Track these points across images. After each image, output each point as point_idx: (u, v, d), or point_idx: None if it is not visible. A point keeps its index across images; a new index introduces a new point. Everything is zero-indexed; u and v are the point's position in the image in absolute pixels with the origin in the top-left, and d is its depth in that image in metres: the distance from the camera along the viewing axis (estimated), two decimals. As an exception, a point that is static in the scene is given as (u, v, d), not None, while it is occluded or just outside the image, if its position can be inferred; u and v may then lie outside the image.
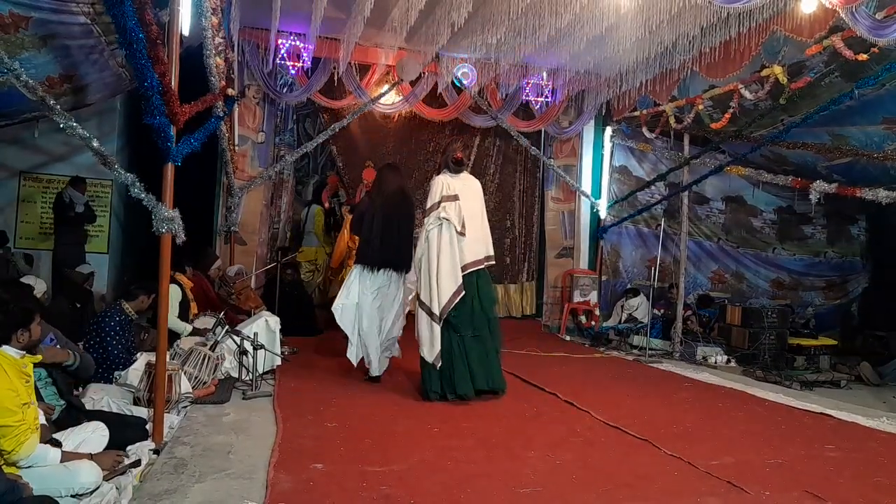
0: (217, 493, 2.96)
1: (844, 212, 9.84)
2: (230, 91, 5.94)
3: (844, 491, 3.28)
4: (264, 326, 5.43)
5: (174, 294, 5.29)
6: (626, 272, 9.51)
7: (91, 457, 2.98)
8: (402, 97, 8.43)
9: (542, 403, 4.96)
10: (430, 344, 4.86)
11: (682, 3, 5.23)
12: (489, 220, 5.38)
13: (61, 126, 3.25)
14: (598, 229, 9.36)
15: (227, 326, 5.18)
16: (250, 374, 4.96)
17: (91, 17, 3.88)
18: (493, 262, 5.27)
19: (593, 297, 9.04)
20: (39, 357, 3.09)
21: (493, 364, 5.01)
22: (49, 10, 3.68)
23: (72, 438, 3.14)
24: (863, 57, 5.30)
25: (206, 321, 5.68)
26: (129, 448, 3.34)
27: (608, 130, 9.38)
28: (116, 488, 2.92)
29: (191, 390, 4.44)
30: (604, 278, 9.32)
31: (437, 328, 4.84)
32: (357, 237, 5.77)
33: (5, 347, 2.85)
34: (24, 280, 5.47)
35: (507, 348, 6.98)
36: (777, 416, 4.92)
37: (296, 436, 3.81)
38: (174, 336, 5.15)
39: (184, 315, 5.65)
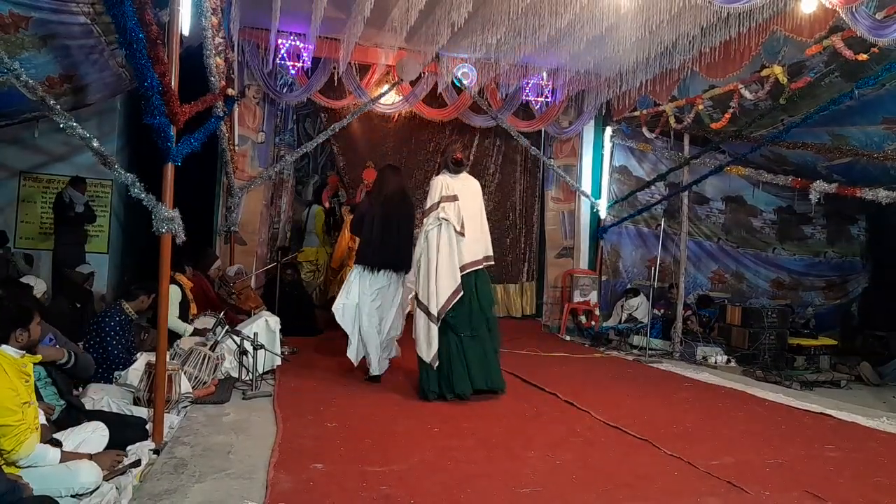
0: (217, 493, 2.96)
1: (844, 212, 9.84)
2: (230, 91, 5.94)
3: (844, 491, 3.28)
4: (264, 326, 5.43)
5: (174, 294, 5.29)
6: (626, 272, 9.51)
7: (91, 457, 2.98)
8: (402, 97, 8.43)
9: (542, 403, 4.96)
10: (427, 344, 4.86)
11: (682, 3, 5.22)
12: (489, 221, 5.38)
13: (61, 126, 3.25)
14: (598, 229, 9.36)
15: (227, 326, 5.18)
16: (250, 374, 4.96)
17: (91, 17, 3.88)
18: (493, 263, 5.28)
19: (593, 297, 9.04)
20: (39, 357, 3.10)
21: (491, 364, 5.02)
22: (49, 10, 3.68)
23: (72, 438, 3.14)
24: (863, 57, 5.30)
25: (206, 321, 5.69)
26: (129, 448, 3.34)
27: (608, 130, 9.38)
28: (116, 488, 2.92)
29: (191, 390, 4.44)
30: (604, 278, 9.32)
31: (435, 328, 4.84)
32: (357, 237, 5.78)
33: (4, 347, 2.86)
34: (24, 280, 5.48)
35: (507, 348, 6.99)
36: (777, 416, 4.92)
37: (296, 436, 3.81)
38: (174, 336, 5.15)
39: (184, 315, 5.65)
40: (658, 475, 3.41)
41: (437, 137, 9.29)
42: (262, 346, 5.01)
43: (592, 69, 8.08)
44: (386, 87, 8.30)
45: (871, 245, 10.09)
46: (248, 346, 5.00)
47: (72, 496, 2.80)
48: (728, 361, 7.25)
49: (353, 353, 5.45)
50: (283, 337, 5.94)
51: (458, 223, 4.96)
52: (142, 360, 4.34)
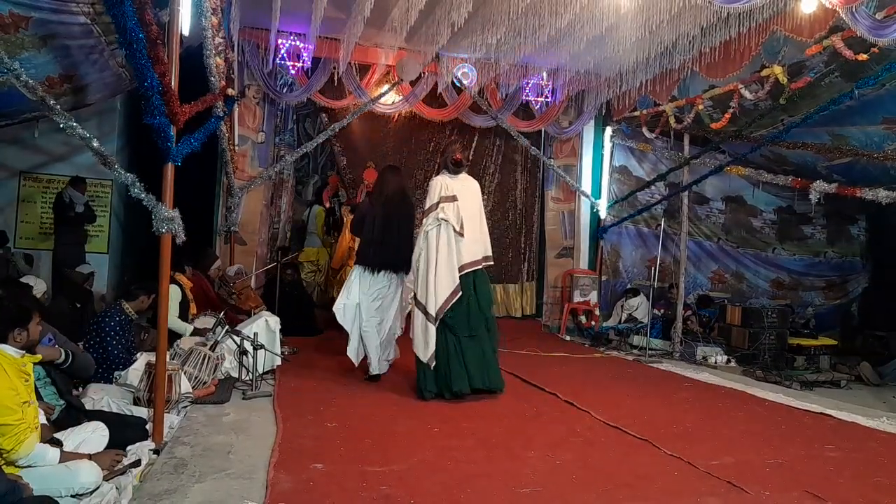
0: (217, 493, 2.96)
1: (844, 212, 9.85)
2: (230, 91, 5.94)
3: (844, 491, 3.28)
4: (264, 326, 5.43)
5: (174, 294, 5.29)
6: (626, 272, 9.51)
7: (90, 457, 2.98)
8: (402, 97, 8.43)
9: (542, 403, 4.96)
10: (425, 344, 4.87)
11: (682, 3, 5.22)
12: (489, 220, 5.39)
13: (61, 126, 3.25)
14: (598, 229, 9.36)
15: (227, 326, 5.18)
16: (250, 374, 4.96)
17: (91, 17, 3.88)
18: (492, 263, 5.28)
19: (593, 297, 9.04)
20: (39, 357, 3.10)
21: (490, 364, 5.02)
22: (49, 10, 3.68)
23: (72, 438, 3.14)
24: (863, 57, 5.30)
25: (206, 321, 5.69)
26: (129, 448, 3.34)
27: (608, 130, 9.38)
28: (116, 488, 2.92)
29: (191, 390, 4.44)
30: (604, 278, 9.32)
31: (432, 328, 4.85)
32: (357, 238, 5.79)
33: (4, 346, 2.86)
34: (24, 280, 5.48)
35: (507, 348, 7.01)
36: (777, 416, 4.92)
37: (296, 436, 3.81)
38: (174, 336, 5.15)
39: (184, 315, 5.65)
40: (658, 475, 3.41)
41: (437, 137, 9.29)
42: (262, 346, 5.01)
43: (592, 69, 8.08)
44: (386, 87, 8.30)
45: (871, 245, 10.09)
46: (248, 346, 5.00)
47: (72, 496, 2.80)
48: (728, 361, 7.25)
49: (353, 353, 5.46)
50: (283, 337, 5.94)
51: (457, 223, 4.97)
52: (142, 360, 4.34)
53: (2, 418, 2.66)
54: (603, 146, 9.40)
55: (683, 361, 7.30)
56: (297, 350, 6.37)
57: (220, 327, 5.13)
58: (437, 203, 5.03)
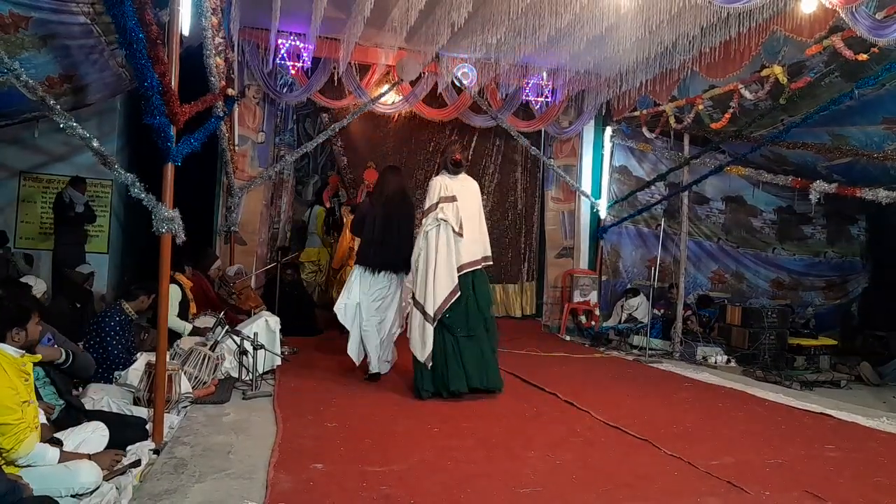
0: (217, 493, 2.96)
1: (844, 212, 9.85)
2: (230, 91, 5.94)
3: (844, 491, 3.28)
4: (264, 326, 5.44)
5: (174, 294, 5.29)
6: (626, 272, 9.51)
7: (89, 457, 2.98)
8: (402, 97, 8.43)
9: (542, 403, 4.96)
10: (422, 344, 4.88)
11: (682, 3, 5.23)
12: (489, 220, 5.40)
13: (61, 126, 3.25)
14: (598, 229, 9.36)
15: (227, 326, 5.18)
16: (250, 374, 4.96)
17: (91, 17, 3.88)
18: (491, 263, 5.30)
19: (593, 297, 9.04)
20: (39, 357, 3.10)
21: (489, 364, 5.02)
22: (49, 10, 3.68)
23: (72, 438, 3.14)
24: (863, 57, 5.30)
25: (206, 321, 5.69)
26: (129, 448, 3.34)
27: (608, 130, 9.38)
28: (116, 488, 2.92)
29: (191, 390, 4.44)
30: (604, 278, 9.32)
31: (430, 328, 4.86)
32: (358, 238, 5.80)
33: (3, 346, 2.86)
34: (24, 280, 5.48)
35: (507, 348, 7.01)
36: (777, 416, 4.92)
37: (296, 436, 3.81)
38: (174, 336, 5.15)
39: (183, 315, 5.65)
40: (658, 475, 3.41)
41: (437, 137, 9.29)
42: (262, 346, 5.02)
43: (592, 69, 8.08)
44: (386, 87, 8.30)
45: (871, 245, 10.09)
46: (248, 346, 5.00)
47: (72, 496, 2.80)
48: (728, 361, 7.25)
49: (353, 351, 5.48)
50: (283, 337, 5.94)
51: (456, 224, 4.97)
52: (142, 360, 4.34)
53: (1, 417, 2.66)
54: (603, 146, 9.40)
55: (683, 361, 7.30)
56: (297, 350, 6.36)
57: (220, 327, 5.13)
58: (437, 203, 5.04)
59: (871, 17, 4.91)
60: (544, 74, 8.79)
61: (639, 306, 8.66)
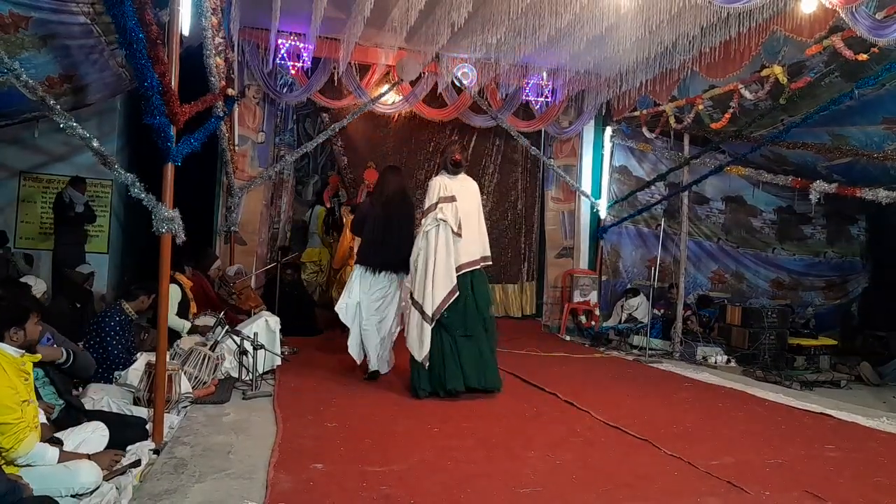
0: (217, 493, 2.96)
1: (844, 212, 9.85)
2: (230, 91, 5.94)
3: (844, 491, 3.28)
4: (264, 326, 5.44)
5: (173, 294, 5.29)
6: (626, 272, 9.51)
7: (88, 457, 2.98)
8: (402, 97, 8.43)
9: (542, 403, 4.96)
10: (420, 343, 4.89)
11: (682, 3, 5.23)
12: (489, 220, 5.41)
13: (61, 126, 3.25)
14: (598, 229, 9.36)
15: (227, 326, 5.18)
16: (250, 374, 4.96)
17: (91, 17, 3.88)
18: (490, 263, 5.30)
19: (593, 297, 9.04)
20: (39, 356, 3.10)
21: (486, 363, 5.03)
22: (49, 10, 3.68)
23: (72, 438, 3.14)
24: (863, 57, 5.30)
25: (206, 321, 5.69)
26: (129, 448, 3.34)
27: (608, 130, 9.38)
28: (116, 488, 2.92)
29: (191, 390, 4.44)
30: (604, 278, 9.32)
31: (428, 328, 4.87)
32: (358, 237, 5.81)
33: (2, 345, 2.86)
34: (24, 280, 5.48)
35: (507, 348, 7.01)
36: (777, 416, 4.92)
37: (296, 436, 3.81)
38: (174, 336, 5.15)
39: (183, 315, 5.65)
40: (658, 475, 3.41)
41: (437, 137, 9.29)
42: (262, 346, 5.01)
43: (592, 69, 8.08)
44: (386, 87, 8.30)
45: (871, 245, 10.09)
46: (248, 346, 5.00)
47: (72, 496, 2.80)
48: (728, 361, 7.25)
49: (354, 350, 5.50)
50: (283, 337, 5.94)
51: (455, 224, 4.98)
52: (142, 360, 4.34)
53: (1, 417, 2.66)
54: (603, 146, 9.40)
55: (683, 361, 7.30)
56: (297, 350, 6.37)
57: (220, 327, 5.13)
58: (436, 203, 5.05)
59: (871, 17, 4.91)
60: (544, 74, 8.79)
61: (639, 306, 8.66)
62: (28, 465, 2.77)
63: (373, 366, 5.43)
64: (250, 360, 4.97)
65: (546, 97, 9.01)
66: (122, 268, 8.40)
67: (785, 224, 9.98)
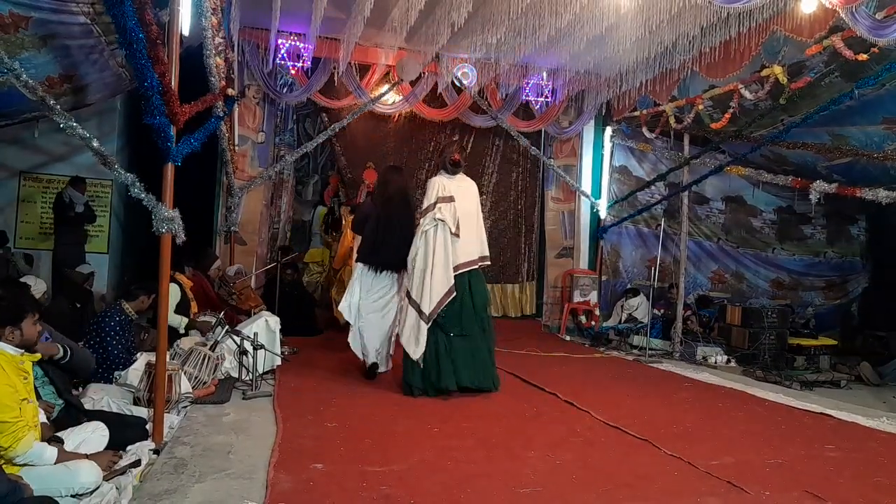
0: (217, 493, 2.96)
1: (844, 212, 9.85)
2: (230, 91, 5.94)
3: (844, 491, 3.28)
4: (264, 326, 5.44)
5: (172, 293, 5.28)
6: (626, 272, 9.51)
7: (87, 457, 2.98)
8: (402, 97, 8.43)
9: (542, 403, 4.96)
10: (416, 342, 4.90)
11: (682, 3, 5.23)
12: (488, 220, 5.42)
13: (61, 126, 3.25)
14: (598, 229, 9.36)
15: (227, 326, 5.18)
16: (250, 374, 4.96)
17: (91, 17, 3.88)
18: (489, 263, 5.31)
19: (593, 297, 9.04)
20: (38, 356, 3.10)
21: (482, 363, 5.03)
22: (49, 10, 3.68)
23: (72, 438, 3.14)
24: (863, 57, 5.30)
25: (206, 320, 5.69)
26: (129, 448, 3.34)
27: (608, 130, 9.38)
28: (116, 488, 2.92)
29: (191, 390, 4.44)
30: (604, 278, 9.32)
31: (425, 327, 4.88)
32: (359, 236, 5.83)
33: (1, 344, 2.86)
34: (24, 280, 5.48)
35: (507, 348, 7.02)
36: (777, 416, 4.92)
37: (296, 436, 3.81)
38: (174, 336, 5.15)
39: (183, 314, 5.64)
40: (658, 475, 3.41)
41: (437, 137, 9.27)
42: (262, 346, 5.02)
43: (592, 69, 8.08)
44: (386, 87, 8.30)
45: (871, 245, 10.09)
46: (248, 346, 5.00)
47: (72, 496, 2.80)
48: (728, 361, 7.25)
49: (355, 345, 5.54)
50: (283, 337, 5.94)
51: (453, 224, 4.99)
52: (142, 360, 4.34)
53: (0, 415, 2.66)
54: (603, 146, 9.40)
55: (683, 361, 7.30)
56: (297, 350, 6.37)
57: (220, 327, 5.13)
58: (434, 203, 5.06)
59: (871, 17, 4.91)
60: (544, 74, 8.79)
61: (639, 306, 8.66)
62: (27, 465, 2.77)
63: (371, 358, 5.46)
64: (250, 360, 4.97)
65: (546, 97, 9.01)
66: (122, 268, 8.40)
67: (785, 224, 9.98)
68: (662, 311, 8.59)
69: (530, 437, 4.01)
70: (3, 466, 2.66)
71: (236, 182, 7.84)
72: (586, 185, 9.41)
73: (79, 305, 5.79)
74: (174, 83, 3.50)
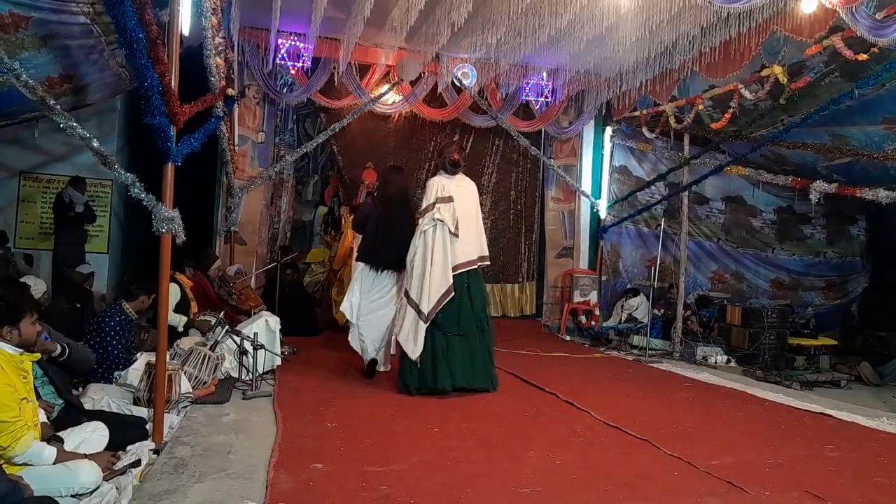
0: (217, 493, 2.96)
1: (844, 212, 9.85)
2: (230, 91, 5.94)
3: (844, 491, 3.28)
4: (264, 326, 5.44)
5: (172, 293, 5.28)
6: (626, 272, 9.51)
7: (86, 457, 2.98)
8: (402, 97, 8.43)
9: (542, 403, 4.96)
10: (414, 342, 4.91)
11: (682, 3, 5.23)
12: (488, 220, 5.43)
13: (61, 126, 3.25)
14: (598, 229, 9.36)
15: (227, 326, 5.18)
16: (250, 374, 4.96)
17: (91, 17, 3.88)
18: (488, 263, 5.31)
19: (593, 297, 9.04)
20: (38, 356, 3.10)
21: (479, 363, 5.04)
22: (49, 10, 3.68)
23: (72, 438, 3.14)
24: (863, 57, 5.30)
25: (205, 319, 5.69)
26: (129, 448, 3.34)
27: (608, 130, 9.38)
28: (116, 488, 2.92)
29: (191, 390, 4.44)
30: (604, 278, 9.32)
31: (423, 327, 4.89)
32: (360, 234, 5.85)
33: (1, 344, 2.86)
34: (24, 280, 5.47)
35: (507, 348, 7.02)
36: (777, 416, 4.92)
37: (296, 436, 3.81)
38: (174, 335, 5.15)
39: (183, 314, 5.64)
40: (658, 475, 3.41)
41: (437, 137, 9.26)
42: (262, 346, 5.02)
43: (592, 69, 8.08)
44: (386, 87, 8.30)
45: (871, 245, 10.09)
46: (248, 346, 5.00)
47: (72, 496, 2.80)
48: (728, 361, 7.25)
49: (356, 343, 5.56)
50: (283, 337, 5.95)
51: (452, 224, 5.00)
52: (142, 360, 4.34)
53: None
54: (603, 146, 9.40)
55: (683, 361, 7.30)
56: (297, 350, 6.37)
57: (220, 327, 5.13)
58: (434, 203, 5.07)
59: (871, 17, 4.91)
60: (544, 74, 8.79)
61: (639, 306, 8.66)
62: (27, 465, 2.77)
63: (370, 354, 5.47)
64: (250, 360, 4.97)
65: (546, 97, 9.00)
66: (122, 268, 8.40)
67: (785, 224, 9.98)
68: (662, 311, 8.58)
69: (530, 437, 4.01)
70: (3, 466, 2.66)
71: (236, 182, 7.84)
72: (586, 185, 9.41)
73: (79, 305, 5.79)
74: (174, 83, 3.50)
